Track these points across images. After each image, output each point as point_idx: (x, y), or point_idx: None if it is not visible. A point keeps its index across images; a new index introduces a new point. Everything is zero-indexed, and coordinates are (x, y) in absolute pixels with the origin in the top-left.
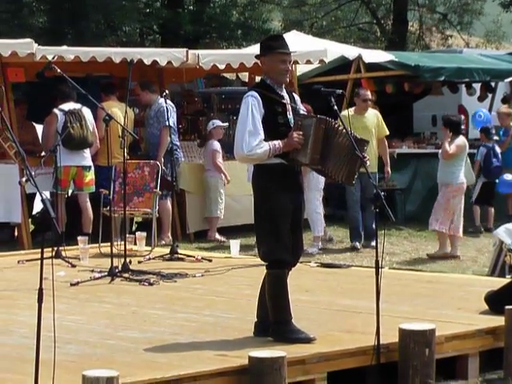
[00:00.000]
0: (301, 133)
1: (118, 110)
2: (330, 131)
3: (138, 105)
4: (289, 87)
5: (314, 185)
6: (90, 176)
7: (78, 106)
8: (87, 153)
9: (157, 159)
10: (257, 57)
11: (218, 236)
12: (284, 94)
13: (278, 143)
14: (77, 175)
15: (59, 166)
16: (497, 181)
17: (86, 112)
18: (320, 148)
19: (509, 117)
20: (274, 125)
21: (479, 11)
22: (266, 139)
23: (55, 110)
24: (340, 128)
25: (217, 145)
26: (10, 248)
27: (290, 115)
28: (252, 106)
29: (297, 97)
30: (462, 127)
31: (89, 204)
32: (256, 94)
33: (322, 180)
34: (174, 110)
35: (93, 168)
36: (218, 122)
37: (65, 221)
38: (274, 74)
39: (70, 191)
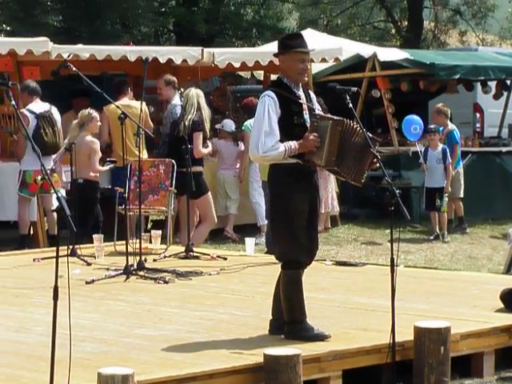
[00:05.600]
0: (316, 135)
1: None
2: (346, 133)
3: (154, 103)
4: (305, 85)
5: (252, 176)
6: (55, 178)
7: (46, 106)
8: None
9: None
10: (275, 55)
11: (233, 235)
12: (300, 93)
13: (293, 144)
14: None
15: (27, 170)
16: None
17: (56, 113)
18: (336, 150)
19: (439, 115)
20: (289, 125)
21: (492, 6)
22: (282, 139)
23: (25, 111)
24: (355, 127)
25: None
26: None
27: (307, 115)
28: (268, 107)
29: (313, 95)
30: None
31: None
32: (272, 94)
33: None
34: None
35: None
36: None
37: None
38: (292, 72)
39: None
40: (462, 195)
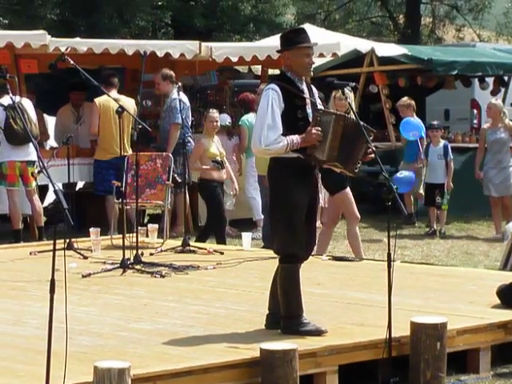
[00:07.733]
0: (319, 129)
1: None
2: (347, 128)
3: (152, 97)
4: (308, 80)
5: (248, 171)
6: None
7: (16, 98)
8: (32, 147)
9: None
10: (280, 51)
11: (229, 230)
12: (304, 87)
13: (296, 138)
14: (22, 171)
15: (3, 161)
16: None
17: (27, 104)
18: (338, 145)
19: (408, 108)
20: (292, 119)
21: (489, 1)
22: (285, 133)
23: None
24: (356, 123)
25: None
26: (22, 239)
27: (309, 109)
28: (272, 100)
29: (315, 90)
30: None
31: (36, 197)
32: (276, 88)
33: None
34: (188, 104)
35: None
36: (225, 119)
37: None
38: (298, 67)
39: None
40: (421, 191)
